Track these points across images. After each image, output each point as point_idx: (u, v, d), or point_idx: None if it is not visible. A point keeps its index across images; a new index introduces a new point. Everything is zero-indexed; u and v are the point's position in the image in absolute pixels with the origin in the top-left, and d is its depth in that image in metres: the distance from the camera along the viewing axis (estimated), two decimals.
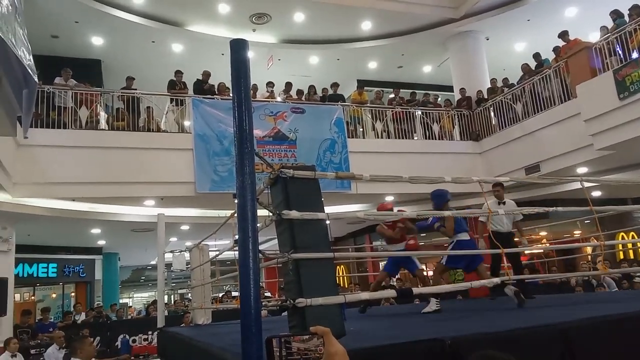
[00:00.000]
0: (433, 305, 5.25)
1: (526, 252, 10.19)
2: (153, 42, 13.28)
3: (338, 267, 16.47)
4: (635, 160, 10.23)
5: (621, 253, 13.10)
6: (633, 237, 11.09)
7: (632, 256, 13.24)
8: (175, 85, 11.17)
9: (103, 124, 10.57)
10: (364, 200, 11.97)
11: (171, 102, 10.93)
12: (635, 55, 8.74)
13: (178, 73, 11.36)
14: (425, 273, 6.13)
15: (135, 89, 10.88)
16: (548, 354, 2.72)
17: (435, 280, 5.68)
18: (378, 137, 12.07)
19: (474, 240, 5.71)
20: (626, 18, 9.51)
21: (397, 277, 11.04)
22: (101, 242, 15.57)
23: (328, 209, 3.22)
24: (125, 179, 9.57)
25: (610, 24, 10.04)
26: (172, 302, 17.94)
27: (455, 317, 4.71)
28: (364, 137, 12.09)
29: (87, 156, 9.38)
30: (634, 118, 8.44)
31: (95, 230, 13.21)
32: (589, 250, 10.84)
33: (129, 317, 15.93)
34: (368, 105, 12.65)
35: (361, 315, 5.99)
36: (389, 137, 12.16)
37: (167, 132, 10.67)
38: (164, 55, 13.73)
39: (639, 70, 8.25)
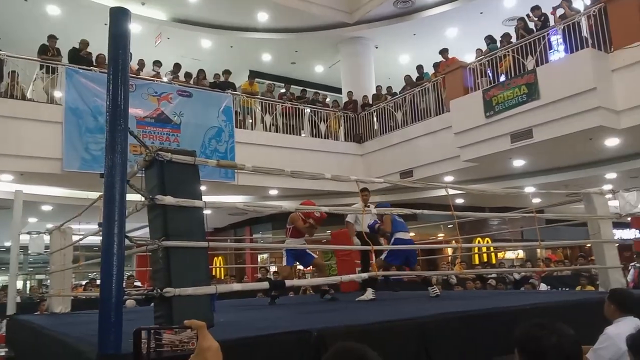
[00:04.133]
0: (370, 294, 5.48)
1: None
2: (25, 0, 11.95)
3: (215, 258, 16.19)
4: (495, 174, 11.38)
5: (476, 256, 14.52)
6: (488, 241, 12.33)
7: (485, 259, 14.74)
8: (48, 51, 10.15)
9: None
10: (246, 191, 11.89)
11: (41, 69, 9.92)
12: (502, 78, 9.70)
13: (52, 38, 10.33)
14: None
15: (0, 50, 9.70)
16: (406, 344, 2.92)
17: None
18: (267, 130, 12.06)
19: (412, 239, 6.09)
20: (499, 44, 10.52)
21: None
22: None
23: (210, 199, 3.14)
24: None
25: (485, 47, 11.04)
26: (28, 288, 16.36)
27: (329, 309, 4.86)
28: (252, 129, 12.00)
29: None
30: (496, 135, 9.37)
31: None
32: (449, 251, 11.83)
33: None
34: (258, 97, 12.57)
35: (236, 307, 5.92)
36: (277, 132, 12.20)
37: (33, 101, 9.66)
38: (38, 17, 12.42)
39: (504, 92, 9.17)
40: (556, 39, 9.28)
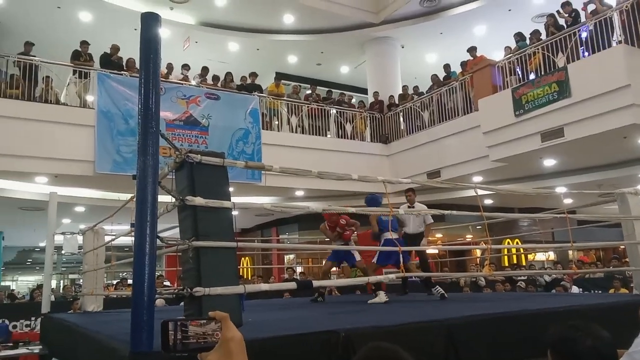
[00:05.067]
0: (383, 297, 5.48)
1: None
2: (59, 7, 12.31)
3: (243, 258, 16.35)
4: (525, 174, 11.17)
5: (506, 258, 14.27)
6: (517, 243, 12.11)
7: (515, 261, 14.48)
8: (80, 57, 10.43)
9: None
10: (273, 192, 11.96)
11: (74, 74, 10.20)
12: (532, 76, 9.52)
13: (84, 44, 10.62)
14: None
15: (34, 56, 10.01)
16: (434, 346, 2.89)
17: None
18: (293, 132, 12.11)
19: (401, 239, 6.00)
20: (528, 41, 10.33)
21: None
22: None
23: (237, 200, 3.17)
24: (16, 152, 8.79)
25: (514, 45, 10.85)
26: (62, 287, 16.80)
27: (355, 310, 4.85)
28: (279, 130, 12.08)
29: None
30: (526, 134, 9.20)
31: None
32: (478, 253, 11.67)
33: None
34: (285, 98, 12.65)
35: (264, 307, 5.97)
36: (303, 133, 12.24)
37: (67, 105, 9.94)
38: (70, 23, 12.78)
39: (534, 90, 9.00)
40: (587, 35, 9.06)
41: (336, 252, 6.42)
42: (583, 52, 8.96)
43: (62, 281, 21.71)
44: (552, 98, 8.68)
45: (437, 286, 5.89)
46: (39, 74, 9.85)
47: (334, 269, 7.19)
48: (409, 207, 6.48)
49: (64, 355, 4.34)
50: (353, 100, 14.70)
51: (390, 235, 5.70)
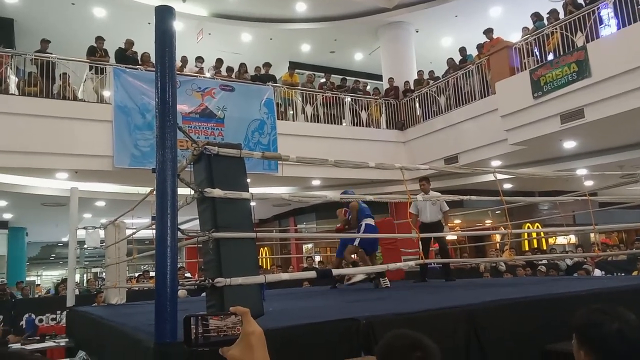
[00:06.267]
0: (387, 282, 6.02)
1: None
2: (73, 4, 12.41)
3: (261, 249, 16.46)
4: (544, 156, 11.01)
5: (526, 242, 14.14)
6: (538, 227, 11.98)
7: (535, 245, 14.33)
8: (96, 52, 10.52)
9: (13, 88, 9.75)
10: (290, 182, 11.99)
11: (90, 70, 10.29)
12: (550, 57, 9.33)
13: (99, 39, 10.70)
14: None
15: (51, 53, 10.13)
16: (455, 332, 2.88)
17: (346, 258, 6.41)
18: (308, 121, 12.10)
19: (377, 227, 6.48)
20: (546, 21, 10.12)
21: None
22: (7, 216, 14.50)
23: (255, 190, 3.18)
24: (36, 149, 8.93)
25: (532, 25, 10.63)
26: (85, 281, 17.14)
27: (375, 298, 4.86)
28: (294, 120, 12.06)
29: None
30: (545, 116, 9.05)
31: (1, 203, 12.27)
32: (497, 238, 11.58)
33: (37, 295, 15.02)
34: (299, 87, 12.61)
35: (284, 296, 6.02)
36: (318, 122, 12.22)
37: (84, 101, 10.05)
38: (85, 19, 12.89)
39: (553, 71, 8.83)
40: (607, 12, 8.83)
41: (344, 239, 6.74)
42: (601, 31, 8.75)
43: (85, 275, 22.15)
44: (572, 78, 8.50)
45: (386, 279, 6.15)
46: (56, 71, 9.96)
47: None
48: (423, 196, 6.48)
49: (90, 348, 4.43)
50: (368, 88, 14.59)
51: (370, 221, 6.16)
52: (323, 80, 13.72)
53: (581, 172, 10.22)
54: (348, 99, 12.87)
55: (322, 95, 12.50)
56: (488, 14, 13.69)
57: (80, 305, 6.79)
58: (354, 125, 12.66)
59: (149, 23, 11.38)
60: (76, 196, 6.49)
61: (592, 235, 11.56)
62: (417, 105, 12.84)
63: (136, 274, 14.28)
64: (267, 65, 12.73)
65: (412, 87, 13.36)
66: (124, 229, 6.22)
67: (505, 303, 3.31)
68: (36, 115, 9.04)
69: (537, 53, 9.76)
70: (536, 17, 10.55)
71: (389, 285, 6.11)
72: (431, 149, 11.94)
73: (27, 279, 17.71)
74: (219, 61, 12.31)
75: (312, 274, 4.41)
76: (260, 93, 11.35)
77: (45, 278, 28.94)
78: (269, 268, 14.44)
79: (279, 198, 3.86)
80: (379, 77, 15.35)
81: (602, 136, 9.48)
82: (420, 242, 5.98)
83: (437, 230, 6.43)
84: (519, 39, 10.51)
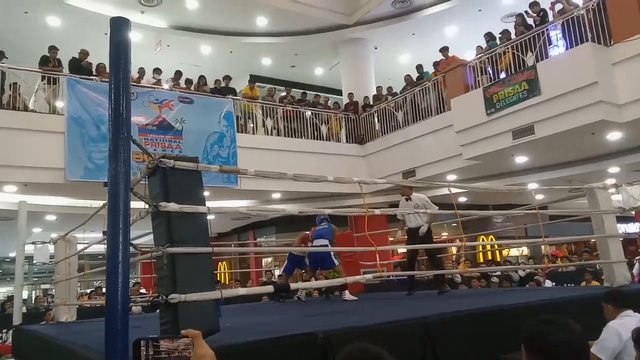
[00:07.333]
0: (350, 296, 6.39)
1: (399, 251, 10.82)
2: (26, 12, 12.02)
3: (220, 263, 16.20)
4: (497, 171, 11.36)
5: (481, 254, 14.48)
6: (492, 239, 12.28)
7: (490, 257, 14.70)
8: (49, 62, 10.19)
9: None
10: (250, 196, 11.90)
11: (42, 80, 9.96)
12: (503, 75, 9.69)
13: (53, 49, 10.37)
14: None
15: (1, 62, 9.75)
16: (412, 344, 2.92)
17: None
18: (268, 134, 12.07)
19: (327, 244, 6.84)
20: (498, 41, 10.51)
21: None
22: None
23: (214, 204, 3.15)
24: None
25: (485, 44, 11.03)
26: (34, 298, 16.39)
27: (333, 311, 4.86)
28: (254, 133, 12.02)
29: None
30: (498, 132, 9.36)
31: None
32: (453, 250, 11.81)
33: None
34: (259, 101, 12.59)
35: (241, 312, 5.93)
36: (279, 135, 12.21)
37: (35, 112, 9.70)
38: (38, 28, 12.50)
39: (505, 89, 9.16)
40: (555, 34, 9.27)
41: (293, 259, 7.12)
42: (550, 51, 9.17)
43: (34, 292, 21.19)
44: (523, 96, 8.85)
45: (346, 292, 6.47)
46: (5, 81, 9.58)
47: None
48: (406, 200, 6.46)
49: None
50: (328, 102, 14.72)
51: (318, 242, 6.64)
52: (284, 94, 13.77)
53: (532, 186, 10.61)
54: (308, 113, 12.94)
55: (283, 109, 12.52)
56: (444, 33, 14.11)
57: (28, 323, 6.53)
58: (314, 139, 12.73)
59: (106, 34, 11.13)
60: (25, 210, 6.25)
61: (542, 247, 11.97)
62: (376, 120, 13.04)
63: (88, 290, 13.77)
64: (227, 78, 12.67)
65: (371, 102, 13.58)
66: (75, 244, 6.01)
67: (461, 314, 3.38)
68: None
69: (490, 71, 10.13)
70: (489, 37, 10.97)
71: (355, 298, 6.31)
72: (390, 162, 12.13)
73: None
74: (178, 73, 12.16)
75: (269, 288, 4.38)
76: (220, 106, 11.26)
77: None
78: (227, 283, 14.20)
79: (237, 212, 3.82)
80: (339, 92, 15.52)
81: (551, 152, 9.89)
82: (408, 252, 6.11)
83: (424, 234, 6.33)
84: (473, 57, 10.88)
